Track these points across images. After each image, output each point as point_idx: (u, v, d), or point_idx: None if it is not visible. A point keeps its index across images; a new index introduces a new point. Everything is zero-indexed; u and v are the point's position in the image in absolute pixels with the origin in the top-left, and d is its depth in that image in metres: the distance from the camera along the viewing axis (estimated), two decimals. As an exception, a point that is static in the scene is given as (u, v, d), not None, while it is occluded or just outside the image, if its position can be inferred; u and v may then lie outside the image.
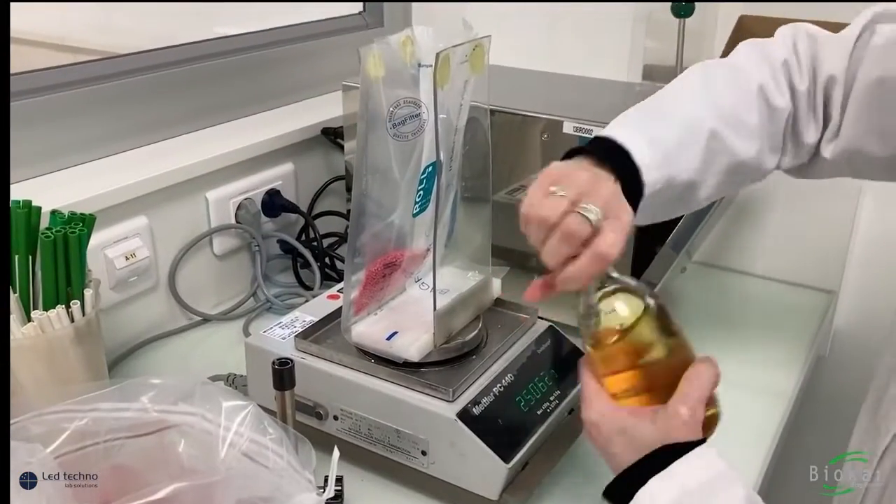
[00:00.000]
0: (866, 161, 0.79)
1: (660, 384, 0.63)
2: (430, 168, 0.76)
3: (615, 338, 0.63)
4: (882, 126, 0.76)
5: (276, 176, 1.18)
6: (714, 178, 0.78)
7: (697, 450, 0.59)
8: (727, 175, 0.79)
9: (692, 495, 0.57)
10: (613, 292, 0.64)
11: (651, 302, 0.64)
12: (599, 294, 0.64)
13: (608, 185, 0.67)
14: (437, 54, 0.68)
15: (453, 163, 0.80)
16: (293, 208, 1.19)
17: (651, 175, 0.72)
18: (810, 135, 0.81)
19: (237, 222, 1.13)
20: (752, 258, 1.27)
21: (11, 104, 0.93)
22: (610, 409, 0.64)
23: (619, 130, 0.73)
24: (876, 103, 0.75)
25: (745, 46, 0.84)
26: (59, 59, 1.99)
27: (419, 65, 0.73)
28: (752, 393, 0.95)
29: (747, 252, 1.27)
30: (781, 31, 0.83)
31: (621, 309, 0.64)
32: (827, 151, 0.81)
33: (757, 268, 1.26)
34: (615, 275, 0.65)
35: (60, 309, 0.75)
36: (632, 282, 0.65)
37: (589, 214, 0.62)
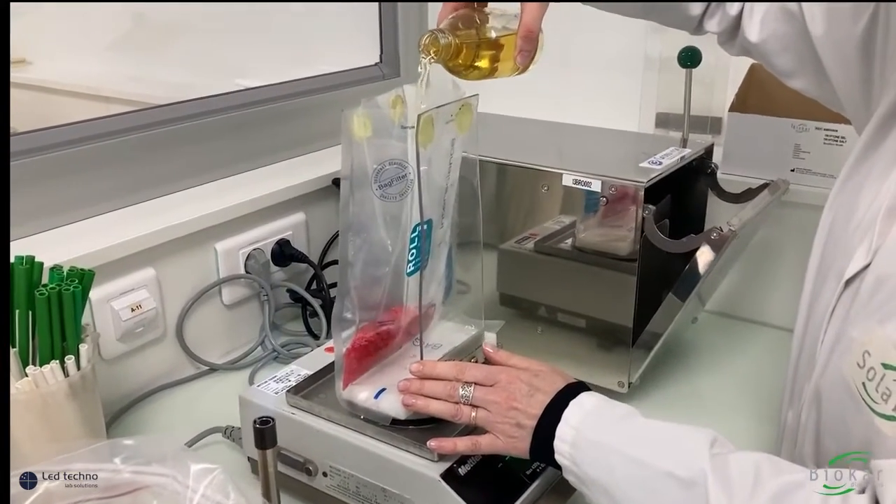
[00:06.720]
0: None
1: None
2: (424, 226, 0.77)
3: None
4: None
5: (287, 226, 1.20)
6: None
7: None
8: None
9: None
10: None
11: None
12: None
13: None
14: (419, 116, 0.69)
15: (445, 220, 0.81)
16: (302, 258, 1.20)
17: None
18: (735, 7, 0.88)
19: (246, 272, 1.14)
20: (766, 308, 1.24)
21: (24, 161, 0.96)
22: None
23: None
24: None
25: None
26: (92, 108, 2.07)
27: (402, 126, 0.74)
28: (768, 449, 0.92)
29: (762, 302, 1.24)
30: None
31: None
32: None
33: (772, 318, 1.24)
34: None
35: (54, 364, 0.77)
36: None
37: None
